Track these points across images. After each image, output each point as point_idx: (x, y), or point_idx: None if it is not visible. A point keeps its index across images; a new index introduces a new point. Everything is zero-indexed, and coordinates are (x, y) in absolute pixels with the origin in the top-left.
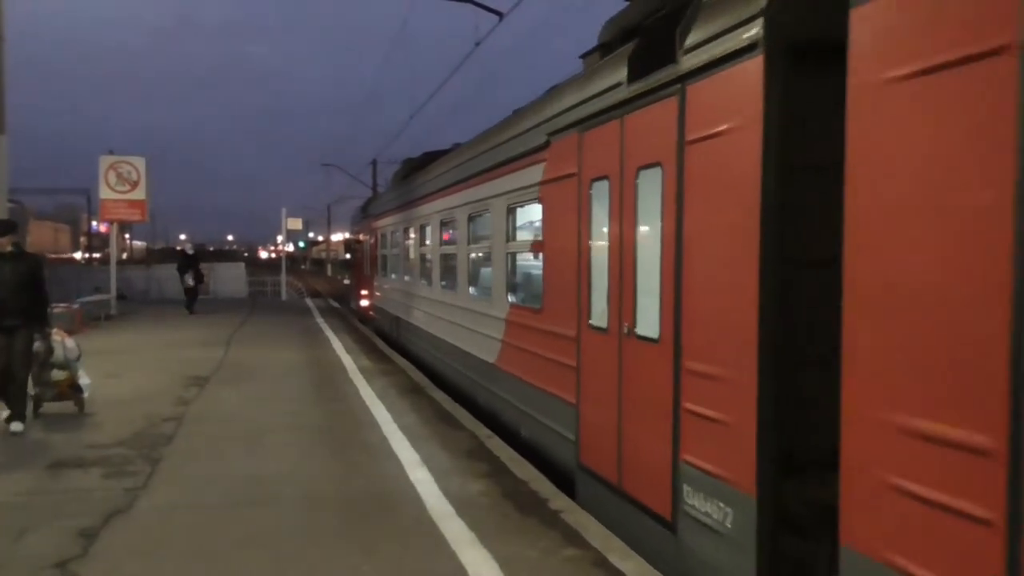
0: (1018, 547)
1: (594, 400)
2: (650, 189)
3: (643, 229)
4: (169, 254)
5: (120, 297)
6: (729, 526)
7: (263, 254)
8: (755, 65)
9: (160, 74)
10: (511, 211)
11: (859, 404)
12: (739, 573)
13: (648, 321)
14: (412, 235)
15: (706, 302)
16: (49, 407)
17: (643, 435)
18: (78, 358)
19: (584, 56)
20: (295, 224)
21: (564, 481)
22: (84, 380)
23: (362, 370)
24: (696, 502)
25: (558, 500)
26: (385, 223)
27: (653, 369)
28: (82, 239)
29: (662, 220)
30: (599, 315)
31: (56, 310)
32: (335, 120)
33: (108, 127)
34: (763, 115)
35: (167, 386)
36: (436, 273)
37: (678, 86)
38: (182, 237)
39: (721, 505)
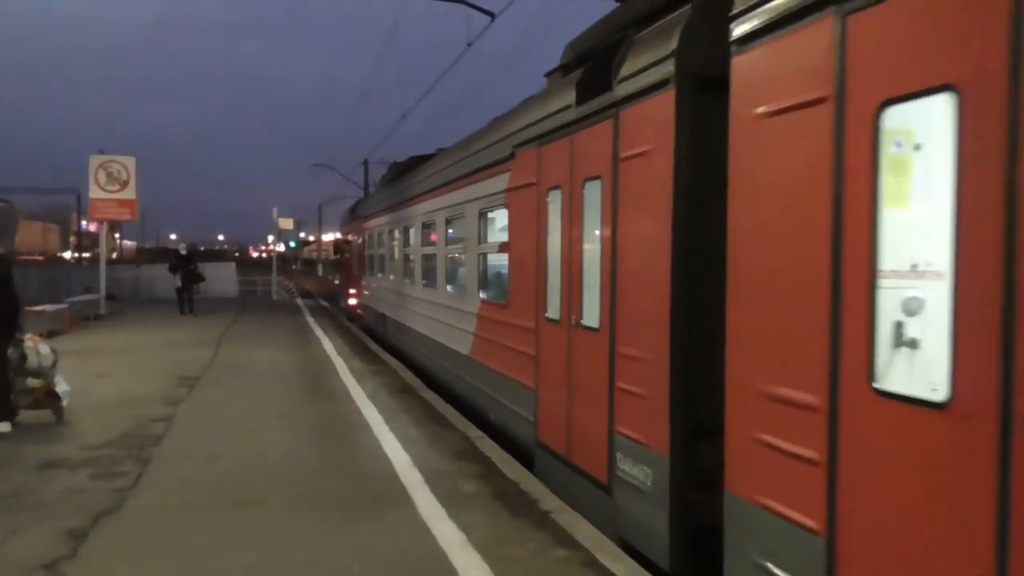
0: (836, 480)
1: (549, 384)
2: (593, 198)
3: (587, 233)
4: (160, 254)
5: (110, 297)
6: (650, 484)
7: (254, 254)
8: (668, 97)
9: (152, 73)
10: (482, 215)
11: (735, 375)
12: (657, 523)
13: (591, 313)
14: (397, 236)
15: (633, 295)
16: (26, 416)
17: (586, 412)
18: (54, 364)
19: (548, 75)
20: (286, 224)
21: (527, 459)
22: (62, 387)
23: (352, 371)
24: (626, 467)
25: (548, 500)
26: (372, 225)
27: (594, 354)
28: (72, 239)
29: (601, 225)
30: (553, 308)
31: (46, 310)
32: (327, 120)
33: (99, 126)
34: (675, 138)
35: (157, 386)
36: (418, 272)
37: (613, 111)
38: (172, 237)
39: (644, 468)
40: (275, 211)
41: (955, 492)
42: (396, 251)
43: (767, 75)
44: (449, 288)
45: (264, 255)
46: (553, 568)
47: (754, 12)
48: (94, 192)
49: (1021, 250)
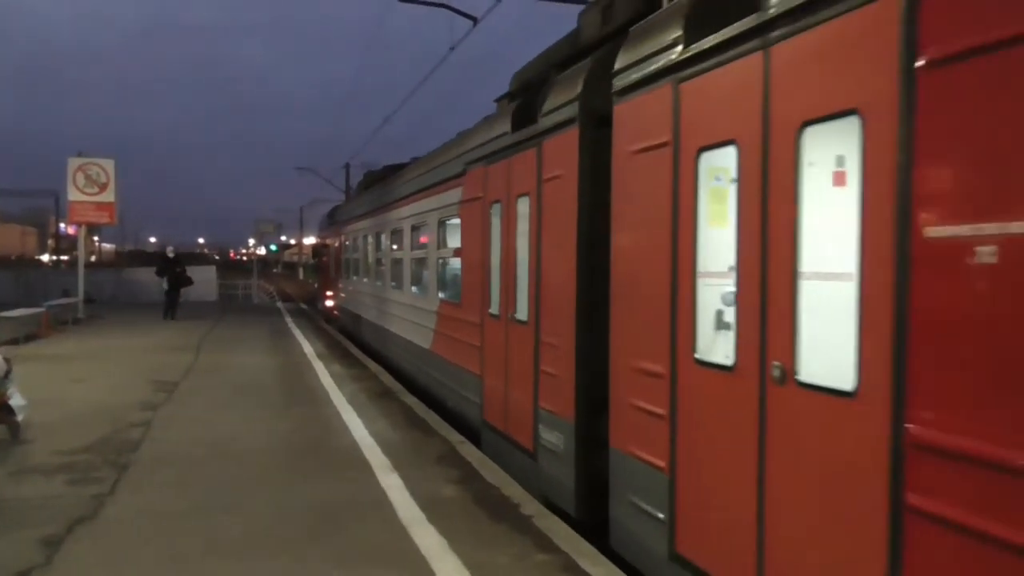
0: (676, 430)
1: (491, 370)
2: (523, 212)
3: (519, 240)
4: (138, 257)
5: (88, 301)
6: (561, 447)
7: (235, 257)
8: (574, 132)
9: (133, 75)
10: (440, 223)
11: (615, 354)
12: (566, 478)
13: (522, 309)
14: (369, 241)
15: (551, 294)
16: None
17: (518, 392)
18: (7, 374)
19: (497, 100)
20: (267, 227)
21: (478, 438)
22: (17, 401)
23: (333, 375)
24: (545, 435)
25: (529, 505)
26: (347, 230)
27: (524, 343)
28: (50, 242)
29: (529, 235)
30: (495, 306)
31: (22, 314)
32: (310, 123)
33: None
34: (578, 167)
35: (135, 392)
36: (387, 275)
37: (539, 139)
38: (152, 239)
39: (557, 434)
40: (255, 215)
41: (740, 429)
42: (369, 255)
43: (634, 121)
44: (414, 289)
45: (245, 258)
46: (533, 573)
47: (624, 74)
48: (73, 195)
49: (772, 259)
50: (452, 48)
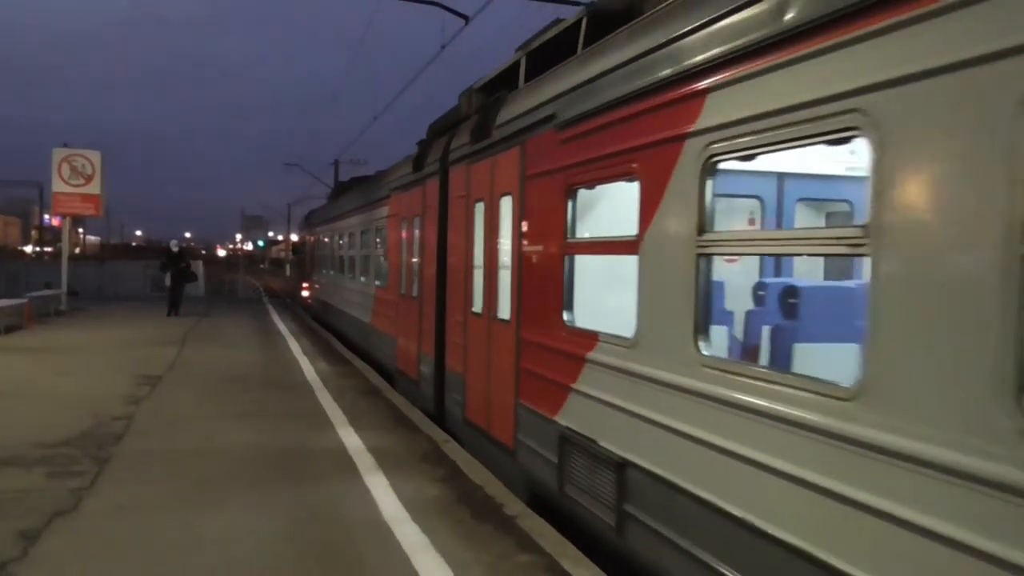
0: (467, 350)
1: (399, 332)
2: (418, 227)
3: (415, 247)
4: (124, 250)
5: (72, 293)
6: (429, 374)
7: (221, 252)
8: (436, 180)
9: (121, 67)
10: (377, 231)
11: (447, 313)
12: (429, 391)
13: (414, 289)
14: (333, 242)
15: (426, 279)
16: None
17: (413, 345)
18: None
19: (418, 143)
20: (255, 224)
21: (391, 377)
22: None
23: (319, 372)
24: (424, 368)
25: (513, 505)
26: (318, 232)
27: (412, 312)
28: (33, 233)
29: (420, 242)
30: (404, 288)
31: (3, 305)
32: (298, 119)
33: (64, 119)
34: (439, 201)
35: (118, 385)
36: (344, 269)
37: (423, 180)
38: (138, 233)
39: (426, 367)
40: (242, 210)
41: (483, 343)
42: (333, 254)
43: (455, 181)
44: (361, 279)
45: (235, 253)
46: (515, 573)
47: (452, 153)
48: (57, 186)
49: (490, 260)
50: (443, 46)
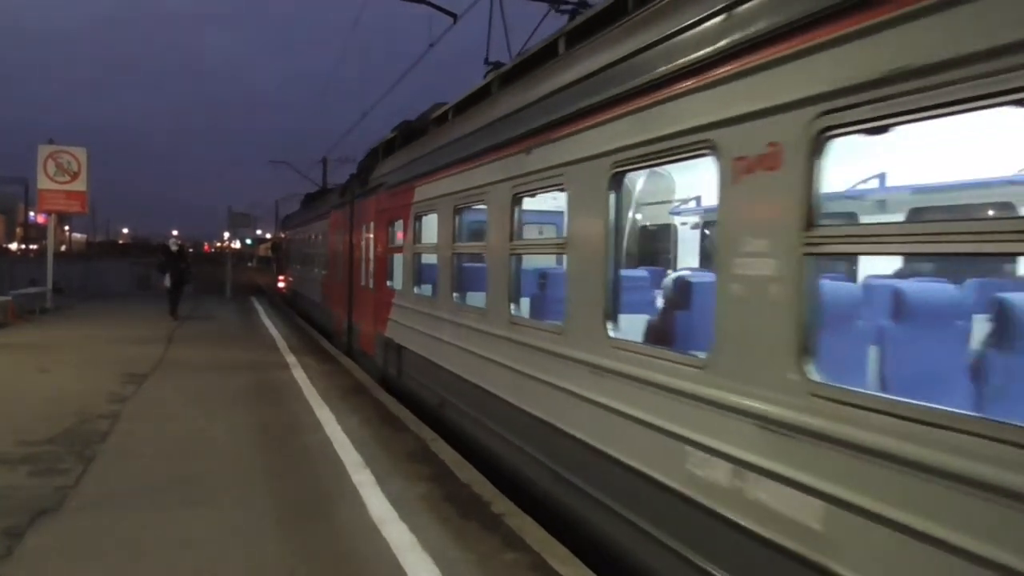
0: (352, 308)
1: (334, 304)
2: (344, 234)
3: (346, 248)
4: (110, 248)
5: (57, 291)
6: (344, 327)
7: (209, 250)
8: (348, 207)
9: (107, 63)
10: (324, 236)
11: (353, 287)
12: (345, 339)
13: (343, 276)
14: (300, 241)
15: (338, 268)
16: None
17: (342, 312)
18: None
19: (350, 175)
20: (243, 221)
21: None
22: None
23: (305, 368)
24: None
25: (500, 503)
26: (292, 233)
27: (341, 290)
28: (18, 230)
29: (347, 244)
30: (340, 275)
31: None
32: (286, 116)
33: (48, 115)
34: (351, 222)
35: (103, 383)
36: (305, 263)
37: (349, 203)
38: (124, 231)
39: (344, 324)
40: (230, 207)
41: (368, 303)
42: (299, 251)
43: (358, 209)
44: (315, 270)
45: (222, 250)
46: (502, 571)
47: (357, 192)
48: (43, 183)
49: (359, 250)
50: (432, 44)
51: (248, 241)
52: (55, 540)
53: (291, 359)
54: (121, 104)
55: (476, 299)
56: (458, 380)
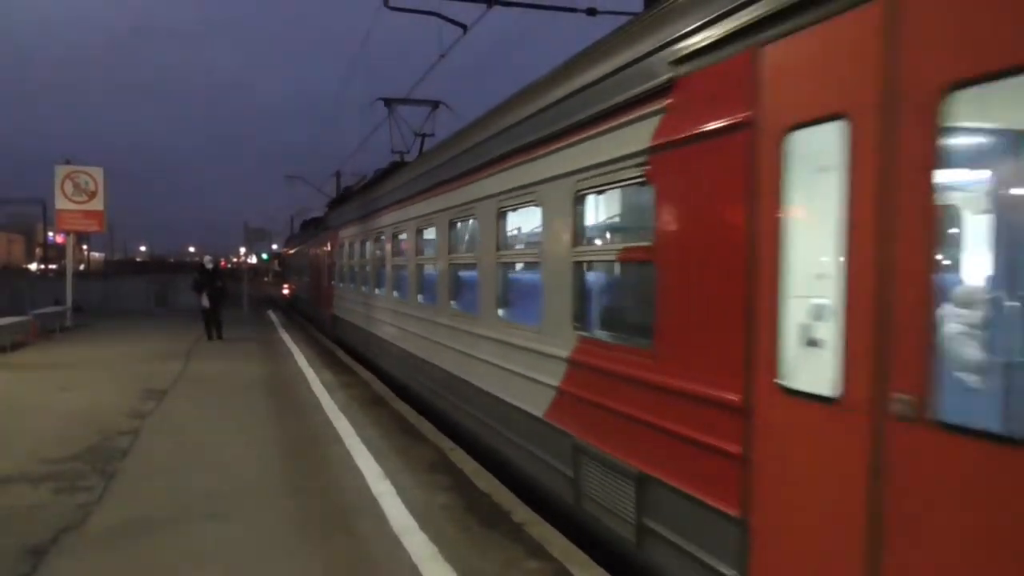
0: (336, 302)
1: (322, 305)
2: (327, 256)
3: (328, 265)
4: (128, 266)
5: (77, 309)
6: (328, 319)
7: (225, 265)
8: (327, 234)
9: (120, 81)
10: (313, 254)
11: (335, 288)
12: (330, 328)
13: (324, 284)
14: (296, 257)
15: (322, 276)
16: None
17: (327, 310)
18: None
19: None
20: (259, 236)
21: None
22: None
23: (324, 383)
24: (336, 327)
25: (521, 512)
26: (292, 250)
27: (328, 294)
28: (38, 250)
29: (329, 263)
30: (325, 282)
31: (9, 322)
32: (299, 130)
33: (64, 135)
34: (331, 245)
35: (123, 399)
36: (300, 274)
37: (326, 232)
38: (142, 248)
39: (329, 317)
40: (245, 223)
41: (355, 304)
42: (297, 265)
43: (328, 236)
44: (305, 279)
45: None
46: None
47: (327, 224)
48: (60, 203)
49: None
50: (443, 55)
51: (264, 256)
52: (79, 557)
53: (310, 373)
54: (135, 122)
55: (382, 287)
56: (368, 333)
